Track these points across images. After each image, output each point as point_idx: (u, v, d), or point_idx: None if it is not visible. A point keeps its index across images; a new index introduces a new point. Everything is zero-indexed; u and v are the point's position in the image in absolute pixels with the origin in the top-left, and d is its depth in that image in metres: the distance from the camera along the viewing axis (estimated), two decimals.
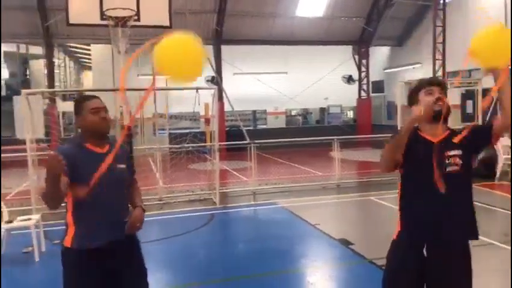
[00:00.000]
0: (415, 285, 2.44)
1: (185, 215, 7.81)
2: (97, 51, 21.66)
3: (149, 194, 8.96)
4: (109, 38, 11.38)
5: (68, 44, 23.20)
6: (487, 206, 7.82)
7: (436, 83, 2.44)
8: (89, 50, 23.83)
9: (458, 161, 2.35)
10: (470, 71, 17.46)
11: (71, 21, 8.47)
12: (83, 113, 2.52)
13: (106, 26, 8.45)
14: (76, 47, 25.03)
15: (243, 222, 7.65)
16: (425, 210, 2.37)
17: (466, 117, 12.96)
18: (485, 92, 11.74)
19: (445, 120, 2.40)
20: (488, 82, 12.37)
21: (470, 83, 13.32)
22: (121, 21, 8.11)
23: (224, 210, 8.17)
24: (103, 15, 8.17)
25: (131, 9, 8.21)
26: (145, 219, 2.66)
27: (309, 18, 19.72)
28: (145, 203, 8.07)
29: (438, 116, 2.36)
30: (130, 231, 2.56)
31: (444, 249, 2.38)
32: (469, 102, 13.09)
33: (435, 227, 2.36)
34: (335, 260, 5.52)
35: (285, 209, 7.99)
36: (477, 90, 11.57)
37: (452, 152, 2.35)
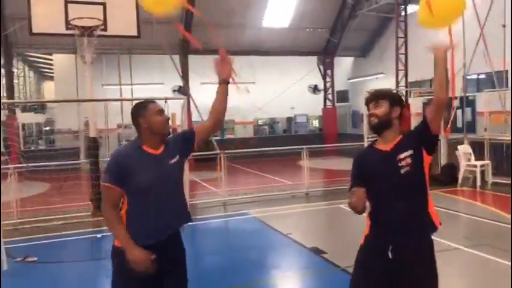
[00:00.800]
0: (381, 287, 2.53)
1: None
2: (60, 61, 21.11)
3: None
4: (73, 47, 11.16)
5: (28, 54, 22.51)
6: (451, 212, 8.09)
7: (370, 100, 2.64)
8: (51, 59, 23.19)
9: (409, 161, 2.49)
10: (431, 80, 18.13)
11: (34, 31, 8.21)
12: (147, 114, 2.62)
13: (71, 35, 8.26)
14: (37, 57, 24.30)
15: (214, 233, 7.59)
16: (388, 213, 2.52)
17: None
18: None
19: (389, 127, 2.56)
20: (449, 92, 12.86)
21: (431, 92, 13.81)
22: (87, 31, 7.95)
23: (194, 223, 8.07)
24: (68, 25, 7.99)
25: (98, 19, 8.07)
26: None
27: (276, 29, 19.98)
28: None
29: (376, 128, 2.59)
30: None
31: (409, 250, 2.49)
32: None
33: (399, 228, 2.50)
34: (308, 269, 5.55)
35: (256, 219, 7.99)
36: None
37: (403, 154, 2.50)
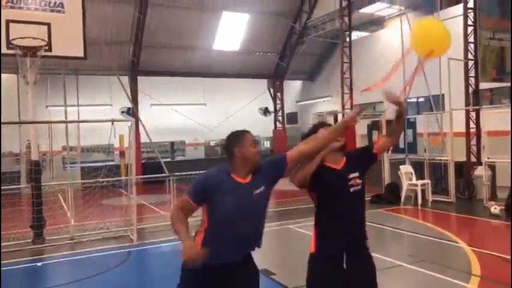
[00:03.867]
0: None
1: (100, 254, 7.38)
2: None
3: (60, 233, 8.39)
4: (14, 67, 10.72)
5: None
6: (394, 229, 8.41)
7: (322, 126, 2.98)
8: None
9: (358, 181, 2.85)
10: (374, 103, 18.96)
11: None
12: (244, 144, 2.70)
13: (12, 55, 7.95)
14: None
15: (162, 258, 7.40)
16: (339, 226, 2.81)
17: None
18: (389, 122, 12.79)
19: (344, 149, 2.96)
20: (391, 114, 13.53)
21: (375, 115, 14.45)
22: (30, 51, 7.69)
23: (142, 247, 7.87)
24: (9, 44, 7.70)
25: (42, 39, 7.84)
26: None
27: (226, 52, 20.22)
28: (54, 244, 7.51)
29: (341, 148, 2.91)
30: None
31: (357, 259, 2.79)
32: (375, 133, 14.12)
33: (348, 240, 2.81)
34: None
35: None
36: (381, 121, 12.56)
37: (352, 175, 2.85)
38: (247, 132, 2.80)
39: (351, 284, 2.76)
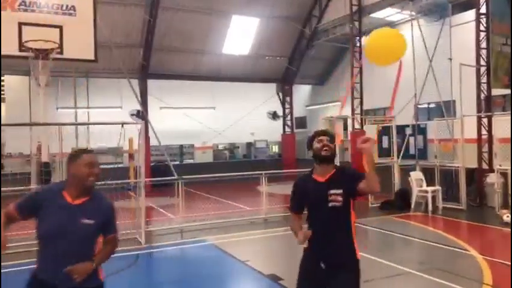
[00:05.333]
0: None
1: None
2: (12, 83, 20.36)
3: None
4: (26, 69, 10.82)
5: None
6: (404, 236, 8.32)
7: (323, 134, 3.09)
8: (1, 81, 22.32)
9: (339, 198, 2.93)
10: (384, 109, 18.84)
11: None
12: (79, 162, 2.71)
13: (24, 57, 8.03)
14: None
15: (171, 262, 7.40)
16: (318, 234, 2.96)
17: (383, 151, 13.85)
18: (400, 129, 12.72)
19: (332, 161, 3.06)
20: (402, 119, 13.42)
21: (385, 120, 14.36)
22: (42, 54, 7.77)
23: (150, 250, 7.87)
24: (21, 47, 7.78)
25: (54, 42, 7.91)
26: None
27: (235, 56, 20.25)
28: None
29: (326, 159, 3.01)
30: (70, 274, 2.58)
31: (332, 265, 2.95)
32: (385, 138, 14.03)
33: (324, 247, 2.97)
34: None
35: (214, 246, 7.88)
36: (392, 126, 12.48)
37: (333, 191, 2.93)
38: (89, 152, 2.83)
39: (327, 284, 2.94)
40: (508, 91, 12.73)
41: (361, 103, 16.30)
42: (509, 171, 10.57)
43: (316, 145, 3.04)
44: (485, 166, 11.72)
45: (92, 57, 8.67)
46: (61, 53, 8.03)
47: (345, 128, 20.13)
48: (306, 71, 22.07)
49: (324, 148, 3.00)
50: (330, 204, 2.91)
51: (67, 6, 8.43)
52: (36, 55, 7.78)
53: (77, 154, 2.76)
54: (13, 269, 6.20)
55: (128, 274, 6.45)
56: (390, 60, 3.12)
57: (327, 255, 2.97)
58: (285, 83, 22.48)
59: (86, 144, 16.50)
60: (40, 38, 7.77)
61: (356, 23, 16.61)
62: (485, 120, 11.99)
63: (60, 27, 8.15)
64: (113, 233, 2.83)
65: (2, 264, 5.61)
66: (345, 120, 19.08)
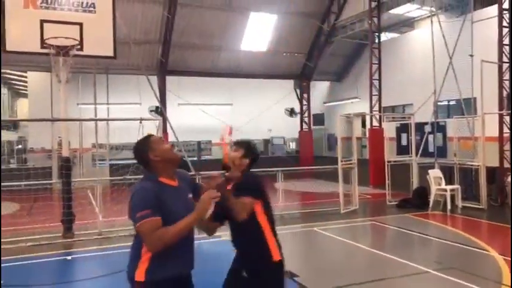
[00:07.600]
0: None
1: (126, 250, 7.46)
2: (34, 79, 20.79)
3: (88, 228, 8.58)
4: (48, 65, 11.03)
5: (2, 71, 22.09)
6: (422, 235, 8.23)
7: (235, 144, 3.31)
8: (25, 77, 22.81)
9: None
10: (403, 106, 18.62)
11: (8, 49, 8.11)
12: (155, 147, 2.66)
13: (46, 54, 8.19)
14: (10, 74, 23.89)
15: None
16: (235, 243, 3.21)
17: (401, 148, 13.68)
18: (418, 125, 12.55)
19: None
20: (421, 117, 13.24)
21: (404, 117, 14.18)
22: (63, 50, 7.91)
23: None
24: (43, 44, 7.93)
25: (74, 39, 8.04)
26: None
27: (253, 52, 20.27)
28: (82, 238, 7.65)
29: (224, 167, 3.21)
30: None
31: (250, 272, 3.08)
32: (404, 135, 13.86)
33: (243, 256, 3.18)
34: None
35: (229, 242, 7.90)
36: (410, 124, 12.32)
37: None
38: (151, 135, 2.81)
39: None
40: None
41: (379, 100, 16.14)
42: None
43: (231, 153, 3.31)
44: (506, 165, 11.49)
45: (111, 54, 8.77)
46: (81, 49, 8.17)
47: (363, 125, 19.97)
48: (324, 67, 21.96)
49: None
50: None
51: (87, 3, 8.56)
52: (57, 52, 7.92)
53: (147, 141, 2.66)
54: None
55: None
56: None
57: (243, 263, 3.14)
58: (302, 80, 22.42)
59: (106, 140, 16.76)
60: (61, 35, 7.91)
61: (375, 19, 16.44)
62: (507, 118, 11.75)
63: (81, 24, 8.28)
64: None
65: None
66: (363, 117, 18.93)
